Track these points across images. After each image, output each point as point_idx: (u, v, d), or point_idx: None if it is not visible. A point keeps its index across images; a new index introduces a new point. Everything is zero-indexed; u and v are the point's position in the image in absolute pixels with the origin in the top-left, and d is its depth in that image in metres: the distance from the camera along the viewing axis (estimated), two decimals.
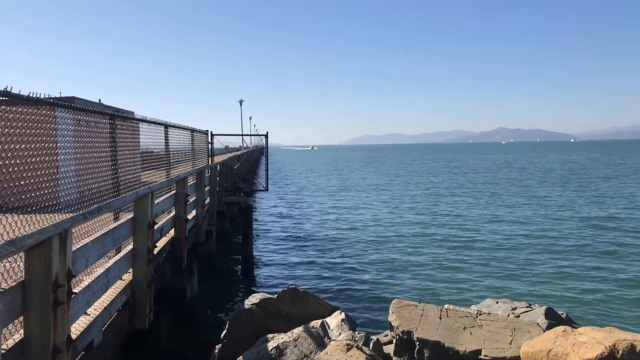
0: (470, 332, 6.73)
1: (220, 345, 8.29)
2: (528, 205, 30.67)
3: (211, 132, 19.22)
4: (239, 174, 23.33)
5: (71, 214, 4.47)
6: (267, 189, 21.28)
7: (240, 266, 17.25)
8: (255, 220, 26.32)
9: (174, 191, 9.79)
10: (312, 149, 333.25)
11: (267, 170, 20.74)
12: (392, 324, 7.08)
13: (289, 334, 7.16)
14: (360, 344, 6.85)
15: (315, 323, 7.37)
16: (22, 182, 3.74)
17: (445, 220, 25.74)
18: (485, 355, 6.21)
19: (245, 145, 51.06)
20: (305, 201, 35.75)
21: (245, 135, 22.94)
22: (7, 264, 4.30)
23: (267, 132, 21.36)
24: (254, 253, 18.33)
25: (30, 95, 3.90)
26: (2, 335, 3.73)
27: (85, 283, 5.22)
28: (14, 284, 3.91)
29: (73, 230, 4.58)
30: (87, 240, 5.16)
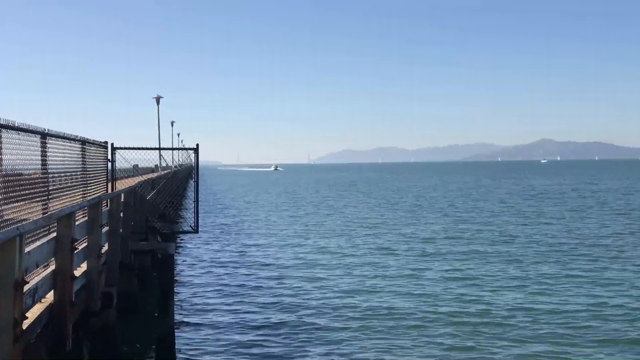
0: None
1: None
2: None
3: (112, 144, 18.95)
4: (155, 208, 22.46)
5: None
6: (196, 230, 21.12)
7: (154, 347, 17.01)
8: (177, 281, 26.64)
9: (54, 234, 9.73)
10: (275, 169, 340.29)
11: (196, 201, 20.59)
12: None
13: None
14: None
15: None
16: None
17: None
18: None
19: (164, 165, 50.13)
20: (254, 249, 36.39)
21: (165, 149, 22.69)
22: None
23: (197, 145, 21.19)
24: (176, 331, 17.93)
25: None
26: None
27: None
28: None
29: None
30: None
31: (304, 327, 20.03)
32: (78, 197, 13.25)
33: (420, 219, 49.31)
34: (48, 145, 10.17)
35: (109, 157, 19.05)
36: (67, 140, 12.18)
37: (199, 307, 23.11)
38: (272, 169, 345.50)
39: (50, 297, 9.43)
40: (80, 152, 13.81)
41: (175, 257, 20.13)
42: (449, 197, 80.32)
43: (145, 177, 26.25)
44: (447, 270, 28.95)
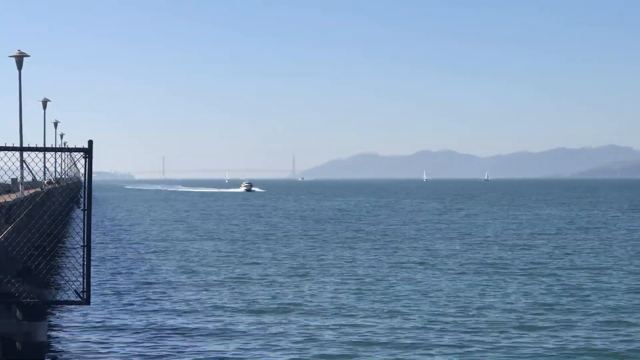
0: None
1: None
2: None
3: None
4: (11, 259, 16.70)
5: None
6: (86, 300, 15.83)
7: None
8: None
9: None
10: (247, 189, 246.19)
11: (87, 245, 15.17)
12: None
13: None
14: None
15: None
16: None
17: None
18: None
19: (30, 179, 39.80)
20: (188, 339, 27.33)
21: (31, 149, 14.09)
22: None
23: (90, 144, 13.31)
24: None
25: None
26: None
27: None
28: None
29: None
30: None
31: None
32: None
33: None
34: None
35: None
36: None
37: None
38: (243, 188, 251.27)
39: None
40: None
41: (47, 347, 18.75)
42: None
43: None
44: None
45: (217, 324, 28.67)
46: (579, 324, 26.48)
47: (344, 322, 27.35)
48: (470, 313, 28.59)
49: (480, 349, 23.18)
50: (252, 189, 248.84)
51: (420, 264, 43.20)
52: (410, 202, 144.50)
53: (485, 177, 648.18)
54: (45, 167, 47.18)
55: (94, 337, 25.66)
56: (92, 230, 15.33)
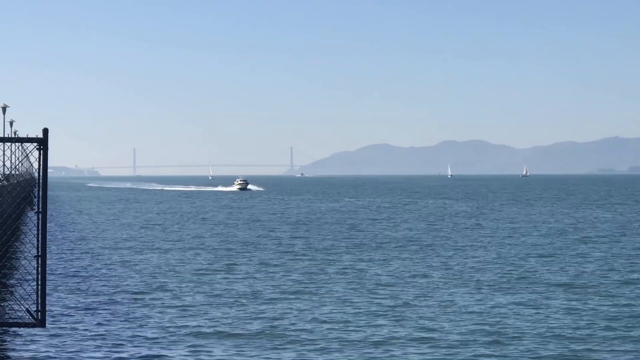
0: None
1: None
2: None
3: None
4: None
5: None
6: (41, 322, 16.26)
7: None
8: None
9: None
10: (242, 187, 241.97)
11: (41, 255, 15.50)
12: None
13: None
14: None
15: None
16: None
17: None
18: None
19: None
20: None
21: None
22: None
23: (44, 133, 13.98)
24: None
25: None
26: None
27: None
28: None
29: None
30: None
31: None
32: None
33: None
34: None
35: None
36: None
37: None
38: (236, 186, 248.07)
39: None
40: None
41: None
42: None
43: None
44: None
45: (192, 352, 28.79)
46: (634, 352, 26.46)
47: (360, 349, 27.37)
48: (505, 339, 28.51)
49: None
50: (248, 187, 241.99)
51: (446, 278, 43.47)
52: (433, 203, 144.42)
53: (524, 172, 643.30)
54: None
55: None
56: (48, 238, 15.43)
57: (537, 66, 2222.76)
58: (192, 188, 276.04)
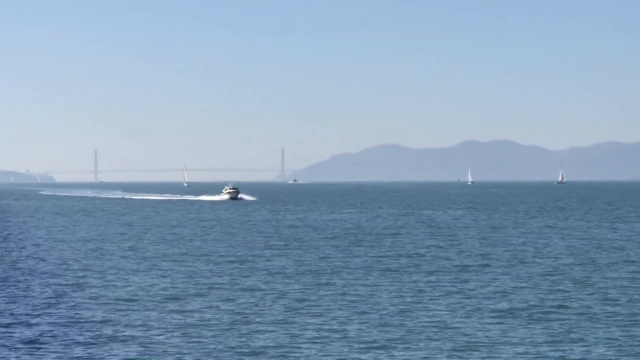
0: None
1: None
2: None
3: None
4: None
5: None
6: None
7: None
8: None
9: None
10: (232, 196, 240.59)
11: None
12: None
13: None
14: None
15: None
16: None
17: None
18: None
19: None
20: None
21: None
22: None
23: None
24: None
25: None
26: None
27: None
28: None
29: None
30: None
31: None
32: None
33: None
34: None
35: None
36: None
37: None
38: (226, 195, 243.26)
39: None
40: None
41: None
42: None
43: None
44: None
45: None
46: None
47: None
48: None
49: None
50: (240, 196, 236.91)
51: (467, 307, 42.75)
52: (453, 214, 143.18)
53: (559, 179, 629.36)
54: None
55: None
56: None
57: (572, 55, 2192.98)
58: (168, 197, 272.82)
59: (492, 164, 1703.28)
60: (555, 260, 64.30)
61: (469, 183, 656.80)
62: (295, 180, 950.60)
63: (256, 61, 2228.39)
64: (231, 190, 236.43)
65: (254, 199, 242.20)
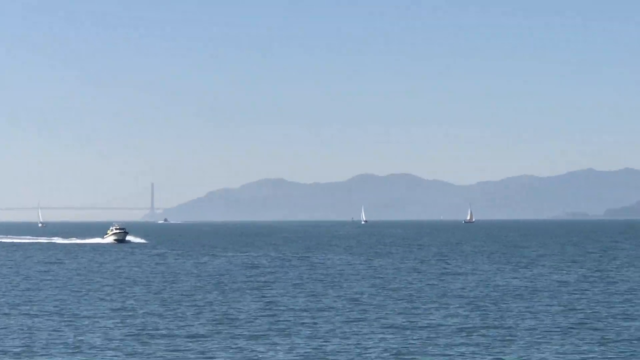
0: None
1: None
2: None
3: None
4: None
5: None
6: None
7: None
8: None
9: None
10: (118, 238, 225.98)
11: None
12: None
13: None
14: None
15: None
16: None
17: None
18: None
19: None
20: None
21: None
22: None
23: None
24: None
25: None
26: None
27: None
28: None
29: None
30: None
31: None
32: None
33: None
34: None
35: None
36: None
37: None
38: (112, 237, 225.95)
39: None
40: None
41: None
42: None
43: None
44: None
45: None
46: None
47: None
48: None
49: None
50: (128, 238, 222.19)
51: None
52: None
53: (468, 217, 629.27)
54: None
55: None
56: None
57: (475, 83, 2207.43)
58: (27, 239, 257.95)
59: (392, 201, 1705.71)
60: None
61: (362, 222, 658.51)
62: (166, 220, 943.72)
63: (111, 92, 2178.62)
64: (117, 231, 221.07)
65: (144, 241, 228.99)
